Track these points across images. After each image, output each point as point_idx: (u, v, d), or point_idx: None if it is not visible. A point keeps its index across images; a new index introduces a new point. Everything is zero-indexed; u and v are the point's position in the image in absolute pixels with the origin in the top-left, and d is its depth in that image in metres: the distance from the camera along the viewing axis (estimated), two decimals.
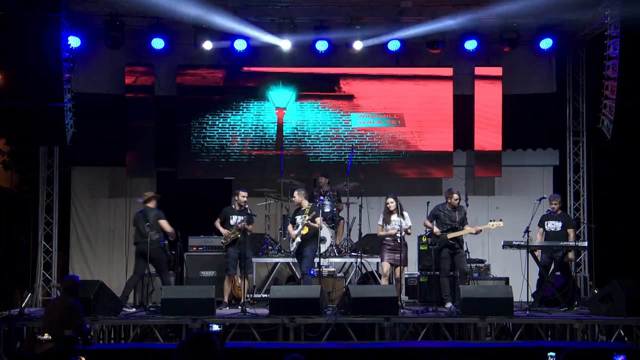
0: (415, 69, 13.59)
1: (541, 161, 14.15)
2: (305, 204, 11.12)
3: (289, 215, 12.59)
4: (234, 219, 11.10)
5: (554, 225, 11.37)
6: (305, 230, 10.89)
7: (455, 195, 11.16)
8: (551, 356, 6.77)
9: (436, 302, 11.15)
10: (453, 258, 11.08)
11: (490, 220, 11.14)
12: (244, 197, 11.18)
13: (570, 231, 11.32)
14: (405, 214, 11.01)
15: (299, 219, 11.07)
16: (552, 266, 11.32)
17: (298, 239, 10.96)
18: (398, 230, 10.82)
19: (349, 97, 13.64)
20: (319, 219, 10.95)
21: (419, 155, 13.62)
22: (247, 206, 11.23)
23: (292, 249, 11.19)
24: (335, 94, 13.65)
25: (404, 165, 13.64)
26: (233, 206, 11.22)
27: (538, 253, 11.28)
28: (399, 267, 10.95)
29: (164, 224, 11.09)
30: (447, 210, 11.18)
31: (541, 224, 11.49)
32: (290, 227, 11.27)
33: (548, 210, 11.53)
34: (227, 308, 10.94)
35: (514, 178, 14.15)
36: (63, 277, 8.89)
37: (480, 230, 11.14)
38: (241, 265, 11.00)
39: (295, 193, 11.19)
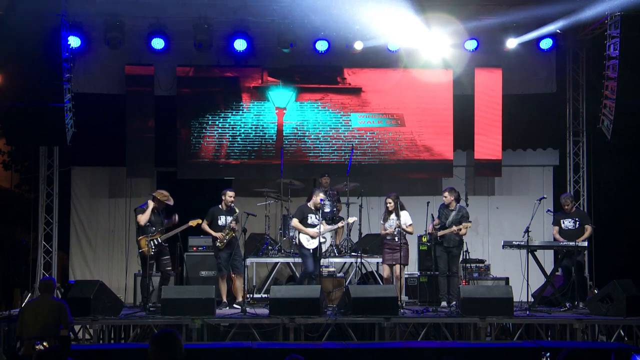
0: (415, 69, 13.56)
1: (541, 161, 14.16)
2: (320, 205, 11.19)
3: (289, 215, 12.60)
4: (223, 220, 11.06)
5: (570, 223, 11.37)
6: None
7: (445, 194, 11.24)
8: (546, 356, 6.75)
9: (436, 302, 11.19)
10: (448, 257, 11.11)
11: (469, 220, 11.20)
12: (231, 197, 11.09)
13: (588, 227, 11.30)
14: (403, 212, 11.04)
15: (314, 218, 11.04)
16: (563, 265, 11.34)
17: (322, 238, 11.02)
18: (395, 229, 10.89)
19: (355, 91, 13.63)
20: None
21: (419, 155, 13.62)
22: (233, 205, 11.10)
23: (313, 246, 11.02)
24: (339, 86, 13.64)
25: (404, 165, 13.64)
26: (220, 206, 11.18)
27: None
28: (397, 266, 10.98)
29: (138, 217, 10.91)
30: (444, 210, 11.25)
31: (557, 223, 11.50)
32: (295, 222, 11.14)
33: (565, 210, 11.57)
34: (227, 308, 10.93)
35: (514, 178, 14.17)
36: (43, 278, 8.91)
37: (459, 232, 11.04)
38: (235, 265, 10.99)
39: (322, 195, 11.17)
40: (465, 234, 11.12)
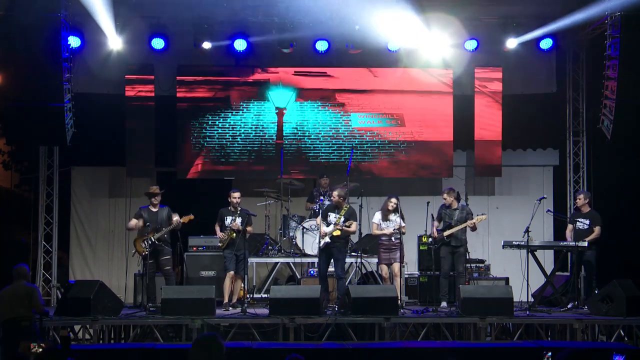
0: (415, 69, 13.58)
1: (541, 161, 14.16)
2: (344, 204, 11.01)
3: (289, 215, 12.60)
4: (228, 220, 11.05)
5: (582, 223, 11.36)
6: (338, 233, 10.81)
7: (445, 195, 11.26)
8: (548, 356, 6.76)
9: (436, 302, 11.20)
10: (453, 257, 11.11)
11: (476, 215, 11.16)
12: (235, 198, 11.04)
13: (596, 229, 11.26)
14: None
15: (332, 216, 10.93)
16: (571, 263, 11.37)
17: (327, 239, 10.84)
18: (394, 229, 10.93)
19: (356, 91, 13.63)
20: (355, 225, 10.93)
21: (419, 156, 13.63)
22: (239, 207, 11.06)
23: (320, 245, 10.91)
24: (339, 87, 13.63)
25: (403, 165, 13.64)
26: (229, 207, 11.18)
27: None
28: (395, 264, 11.00)
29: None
30: (447, 210, 11.24)
31: (571, 221, 11.53)
32: (319, 220, 11.07)
33: (575, 207, 11.66)
34: (230, 308, 10.90)
35: (514, 178, 14.16)
36: (16, 265, 9.25)
37: (474, 225, 11.10)
38: (239, 266, 10.99)
39: (335, 193, 11.00)
40: (476, 229, 11.20)
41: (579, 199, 11.54)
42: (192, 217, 11.10)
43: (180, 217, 11.05)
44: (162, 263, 11.01)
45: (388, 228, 11.05)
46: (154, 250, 10.89)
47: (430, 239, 11.46)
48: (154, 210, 11.13)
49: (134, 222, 11.15)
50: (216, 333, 4.78)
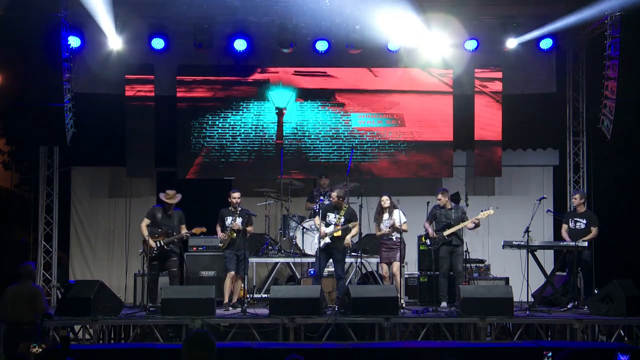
0: (415, 69, 13.58)
1: (541, 161, 14.17)
2: (343, 204, 11.04)
3: (289, 215, 12.60)
4: (229, 220, 11.05)
5: (578, 223, 11.36)
6: (339, 234, 10.82)
7: (440, 196, 11.26)
8: (548, 356, 6.76)
9: (436, 302, 11.20)
10: (451, 257, 11.11)
11: (482, 210, 11.15)
12: (235, 198, 11.03)
13: (593, 229, 11.26)
14: (396, 211, 11.05)
15: (332, 217, 10.96)
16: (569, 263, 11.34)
17: (327, 240, 10.87)
18: (389, 228, 10.95)
19: (356, 91, 13.65)
20: (356, 228, 10.96)
21: (419, 156, 13.63)
22: (239, 208, 11.04)
23: (320, 245, 10.90)
24: (339, 87, 13.65)
25: (403, 165, 13.64)
26: (230, 207, 11.17)
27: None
28: (394, 263, 11.01)
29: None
30: (442, 210, 11.24)
31: (566, 221, 11.52)
32: (317, 220, 11.09)
33: (572, 207, 11.65)
34: (230, 308, 10.89)
35: (514, 178, 14.17)
36: (21, 264, 9.17)
37: (477, 222, 11.13)
38: (239, 266, 10.98)
39: (334, 194, 11.03)
40: (479, 225, 11.27)
41: (575, 198, 11.57)
42: (204, 229, 11.05)
43: (192, 229, 11.00)
44: (169, 265, 11.00)
45: (386, 228, 11.07)
46: (161, 253, 10.89)
47: (427, 241, 11.44)
48: (168, 212, 11.08)
49: (146, 222, 10.98)
50: (206, 330, 4.74)
